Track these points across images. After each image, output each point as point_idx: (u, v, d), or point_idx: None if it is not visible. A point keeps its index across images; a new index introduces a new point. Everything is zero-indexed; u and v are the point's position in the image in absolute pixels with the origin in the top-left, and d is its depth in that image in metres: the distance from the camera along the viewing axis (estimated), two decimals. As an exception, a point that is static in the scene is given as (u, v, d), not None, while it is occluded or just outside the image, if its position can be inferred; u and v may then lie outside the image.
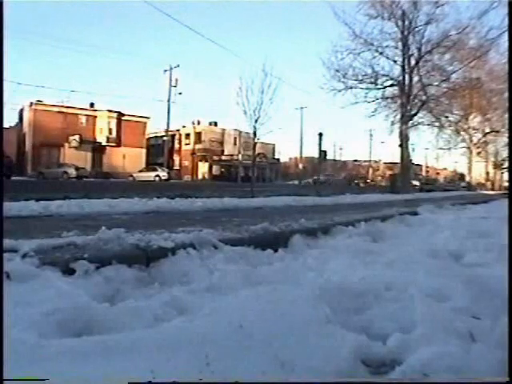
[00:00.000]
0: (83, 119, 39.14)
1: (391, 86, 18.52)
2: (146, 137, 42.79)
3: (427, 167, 62.36)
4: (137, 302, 1.35)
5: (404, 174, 18.31)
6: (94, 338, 0.99)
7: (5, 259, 1.41)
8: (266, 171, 43.53)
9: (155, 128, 43.32)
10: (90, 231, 2.10)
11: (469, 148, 30.78)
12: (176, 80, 34.88)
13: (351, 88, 17.83)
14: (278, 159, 50.09)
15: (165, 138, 35.72)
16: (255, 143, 11.82)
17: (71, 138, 37.08)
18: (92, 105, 40.01)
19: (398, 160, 17.62)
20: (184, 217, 3.77)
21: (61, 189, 9.69)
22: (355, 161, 69.02)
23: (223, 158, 45.59)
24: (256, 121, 10.76)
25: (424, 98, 18.46)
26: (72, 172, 28.66)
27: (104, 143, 39.35)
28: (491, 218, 4.36)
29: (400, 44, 17.86)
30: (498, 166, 36.43)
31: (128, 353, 0.90)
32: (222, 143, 47.24)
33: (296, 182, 37.69)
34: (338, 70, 17.79)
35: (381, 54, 18.00)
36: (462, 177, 45.78)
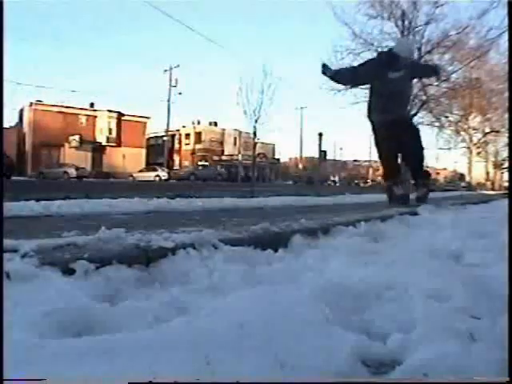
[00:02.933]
0: (83, 119, 39.19)
1: (391, 85, 18.52)
2: (146, 137, 42.84)
3: (427, 167, 62.37)
4: (137, 301, 1.35)
5: (404, 174, 18.31)
6: (94, 338, 0.99)
7: (5, 259, 1.41)
8: (265, 171, 43.51)
9: (155, 128, 43.37)
10: (90, 231, 2.10)
11: (469, 148, 30.82)
12: (176, 80, 34.99)
13: (351, 88, 17.84)
14: (278, 159, 50.15)
15: (165, 138, 35.80)
16: (255, 143, 11.84)
17: (71, 137, 37.14)
18: (92, 105, 40.08)
19: (397, 160, 17.58)
20: (184, 217, 3.77)
21: (61, 189, 9.69)
22: (355, 161, 69.07)
23: (223, 158, 45.62)
24: (256, 121, 10.79)
25: (424, 97, 18.49)
26: (72, 172, 28.74)
27: (104, 143, 39.40)
28: (491, 218, 4.36)
29: (400, 44, 17.87)
30: (498, 165, 36.45)
31: (128, 353, 0.90)
32: (222, 143, 47.31)
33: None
34: (338, 70, 17.82)
35: (381, 54, 18.03)
36: (462, 177, 45.81)
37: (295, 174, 41.83)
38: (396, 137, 4.28)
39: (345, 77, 4.55)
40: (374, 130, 4.69)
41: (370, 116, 4.61)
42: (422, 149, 5.01)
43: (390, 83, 4.30)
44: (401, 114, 4.26)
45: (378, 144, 4.78)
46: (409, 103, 4.30)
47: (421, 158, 4.82)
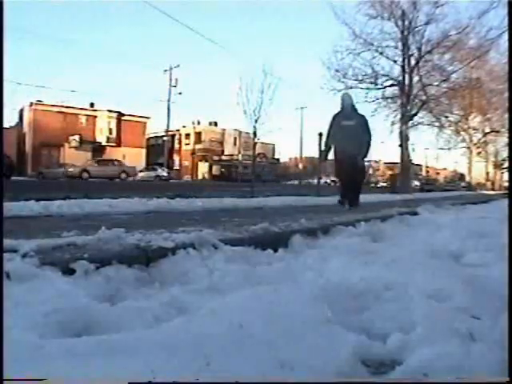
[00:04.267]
0: (83, 119, 39.13)
1: (391, 86, 18.53)
2: (146, 137, 42.75)
3: (427, 167, 62.31)
4: (137, 301, 1.35)
5: (404, 174, 18.31)
6: (94, 338, 0.99)
7: (5, 259, 1.41)
8: (265, 171, 43.46)
9: (155, 128, 43.30)
10: (90, 231, 2.10)
11: (469, 148, 30.76)
12: (176, 80, 34.93)
13: (351, 88, 17.82)
14: (278, 159, 50.09)
15: (165, 138, 35.75)
16: (255, 143, 11.80)
17: (71, 138, 37.08)
18: (92, 105, 40.01)
19: (398, 160, 17.61)
20: (184, 217, 3.77)
21: (61, 189, 9.69)
22: (355, 161, 68.72)
23: (223, 157, 45.55)
24: (256, 121, 10.75)
25: (424, 97, 18.48)
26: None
27: (104, 143, 39.34)
28: (491, 218, 4.36)
29: (400, 44, 17.86)
30: (498, 165, 36.39)
31: (128, 353, 0.90)
32: (221, 143, 47.26)
33: (296, 182, 37.54)
34: (337, 70, 17.83)
35: (381, 54, 18.03)
36: (462, 177, 45.74)
37: (257, 174, 41.02)
38: (348, 166, 5.90)
39: (328, 145, 6.22)
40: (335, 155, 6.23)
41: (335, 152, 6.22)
42: (364, 177, 7.25)
43: (343, 129, 5.91)
44: (352, 151, 5.79)
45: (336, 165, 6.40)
46: (359, 141, 5.91)
47: (360, 184, 6.51)
